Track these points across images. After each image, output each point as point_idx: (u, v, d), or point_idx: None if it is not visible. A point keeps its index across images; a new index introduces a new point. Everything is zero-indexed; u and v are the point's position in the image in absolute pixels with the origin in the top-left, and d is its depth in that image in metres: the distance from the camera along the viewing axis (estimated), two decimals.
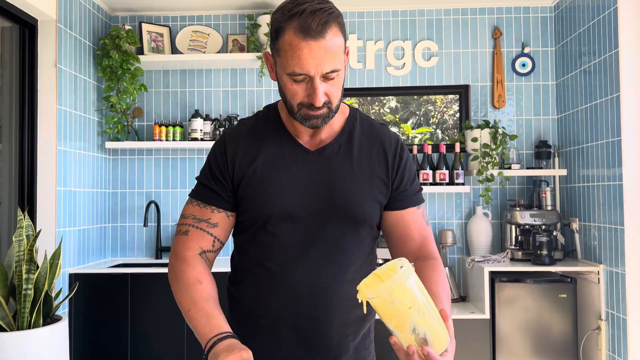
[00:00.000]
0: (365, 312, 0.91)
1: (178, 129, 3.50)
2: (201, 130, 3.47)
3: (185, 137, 3.59)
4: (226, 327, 1.00)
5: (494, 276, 3.00)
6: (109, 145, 3.44)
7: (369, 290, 0.84)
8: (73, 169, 3.12)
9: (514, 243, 3.35)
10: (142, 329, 3.03)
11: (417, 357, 0.84)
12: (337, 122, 1.17)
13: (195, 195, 1.17)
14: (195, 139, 3.45)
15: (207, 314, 1.02)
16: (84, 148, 3.27)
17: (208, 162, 1.17)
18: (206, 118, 3.53)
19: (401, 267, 0.84)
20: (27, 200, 2.82)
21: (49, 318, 2.40)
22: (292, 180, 1.12)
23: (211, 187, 1.15)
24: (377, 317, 0.96)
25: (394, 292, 0.82)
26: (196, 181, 1.19)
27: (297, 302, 1.11)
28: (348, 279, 1.13)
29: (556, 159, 3.45)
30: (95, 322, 3.05)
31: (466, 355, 2.91)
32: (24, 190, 2.82)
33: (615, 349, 2.79)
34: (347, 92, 3.68)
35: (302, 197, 1.12)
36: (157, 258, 3.57)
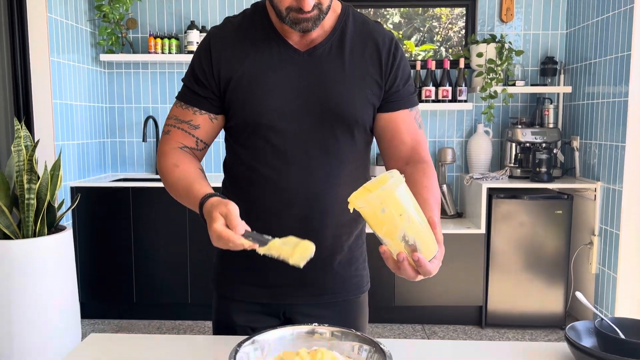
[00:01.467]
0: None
1: (174, 42, 3.39)
2: (197, 42, 3.36)
3: (181, 49, 3.48)
4: (205, 190, 1.04)
5: (492, 193, 3.04)
6: (104, 57, 3.35)
7: (359, 200, 0.83)
8: (68, 81, 3.05)
9: (513, 161, 3.35)
10: (145, 240, 3.11)
11: (407, 264, 0.85)
12: (328, 21, 1.11)
13: (179, 97, 1.14)
14: (192, 52, 3.35)
15: (187, 188, 1.06)
16: (78, 60, 3.18)
17: (192, 63, 1.13)
18: (202, 30, 3.41)
19: (391, 178, 0.83)
20: (23, 112, 2.78)
21: (54, 228, 2.45)
22: (282, 82, 1.08)
23: (194, 90, 1.11)
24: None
25: (384, 200, 0.82)
26: (182, 83, 1.16)
27: (291, 205, 1.11)
28: (341, 182, 1.13)
29: (562, 76, 3.38)
30: (99, 233, 3.11)
31: (461, 270, 3.01)
32: (19, 102, 2.78)
33: (606, 262, 2.88)
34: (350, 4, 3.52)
35: (292, 100, 1.09)
36: (157, 173, 3.59)
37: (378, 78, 1.12)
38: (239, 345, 0.88)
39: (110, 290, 3.13)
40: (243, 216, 1.18)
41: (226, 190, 1.22)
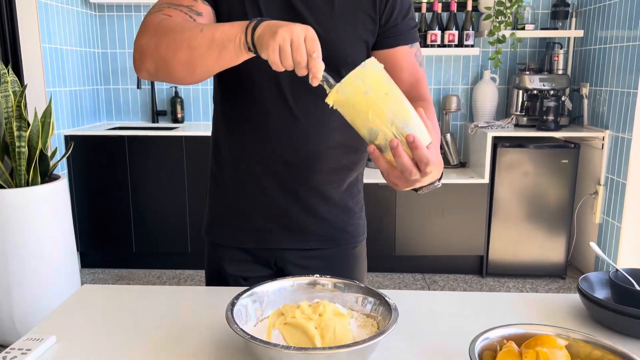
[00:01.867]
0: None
1: None
2: None
3: None
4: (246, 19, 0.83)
5: (497, 142, 2.96)
6: None
7: (338, 90, 0.75)
8: (57, 24, 2.91)
9: (519, 109, 3.25)
10: (142, 190, 3.06)
11: (402, 149, 0.73)
12: None
13: None
14: None
15: (206, 26, 0.83)
16: (66, 2, 3.02)
17: None
18: None
19: (369, 59, 0.74)
20: (10, 56, 2.66)
21: (47, 177, 2.39)
22: (263, 16, 0.98)
23: None
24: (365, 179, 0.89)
25: (365, 78, 0.72)
26: None
27: (276, 148, 1.04)
28: (332, 127, 1.05)
29: (573, 19, 3.23)
30: (95, 183, 3.06)
31: (463, 219, 2.98)
32: (5, 45, 2.65)
33: (610, 212, 2.84)
34: None
35: None
36: (153, 122, 3.49)
37: (372, 11, 1.01)
38: (237, 297, 0.83)
39: (110, 240, 3.11)
40: (230, 158, 1.11)
41: (215, 136, 1.15)
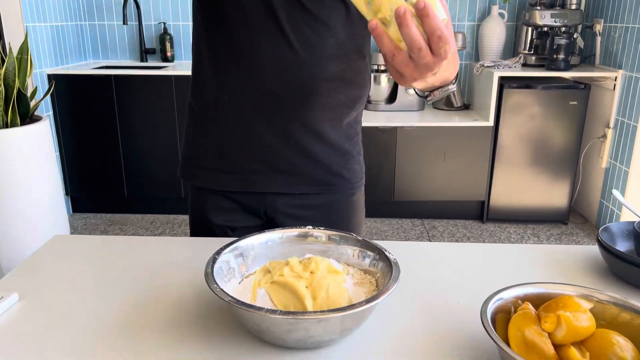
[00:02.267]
0: None
1: None
2: None
3: None
4: None
5: (503, 82, 2.81)
6: None
7: None
8: None
9: (528, 47, 3.08)
10: (132, 132, 2.94)
11: (410, 17, 0.60)
12: None
13: None
14: None
15: None
16: None
17: None
18: None
19: None
20: None
21: (28, 118, 2.26)
22: None
23: None
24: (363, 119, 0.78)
25: None
26: None
27: (261, 79, 0.92)
28: (330, 55, 0.92)
29: None
30: (83, 125, 2.93)
31: (465, 164, 2.88)
32: None
33: (618, 156, 2.74)
34: None
35: None
36: (142, 60, 3.32)
37: None
38: (218, 252, 0.74)
39: (100, 184, 3.02)
40: (211, 89, 0.99)
41: (195, 66, 1.02)
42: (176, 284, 0.80)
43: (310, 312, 0.60)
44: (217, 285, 0.65)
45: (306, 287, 0.67)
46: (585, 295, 0.67)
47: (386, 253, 0.74)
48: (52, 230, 2.21)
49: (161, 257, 0.90)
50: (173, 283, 0.81)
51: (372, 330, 0.70)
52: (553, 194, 2.91)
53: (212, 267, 0.69)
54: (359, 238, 0.79)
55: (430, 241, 2.70)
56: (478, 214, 3.01)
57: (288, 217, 1.02)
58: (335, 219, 1.04)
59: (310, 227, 0.81)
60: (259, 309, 0.60)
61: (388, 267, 0.72)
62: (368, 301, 0.62)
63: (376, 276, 0.74)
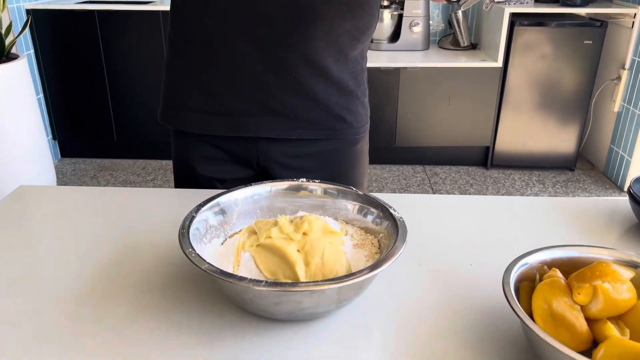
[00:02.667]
0: None
1: None
2: None
3: None
4: None
5: (514, 19, 2.63)
6: None
7: None
8: None
9: None
10: (119, 72, 2.78)
11: None
12: None
13: None
14: None
15: None
16: None
17: None
18: None
19: None
20: None
21: (4, 57, 2.10)
22: None
23: None
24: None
25: None
26: None
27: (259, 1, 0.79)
28: None
29: None
30: (66, 64, 2.77)
31: (470, 108, 2.74)
32: None
33: (632, 100, 2.60)
34: None
35: None
36: None
37: None
38: (196, 209, 0.63)
39: (88, 128, 2.89)
40: (192, 14, 0.84)
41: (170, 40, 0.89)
42: (151, 244, 0.71)
43: (301, 283, 0.51)
44: (193, 249, 0.55)
45: (298, 251, 0.58)
46: (625, 261, 0.57)
47: (391, 210, 0.64)
48: (37, 178, 2.12)
49: (136, 212, 0.80)
50: (147, 242, 0.71)
51: (374, 299, 0.61)
52: (561, 139, 2.80)
53: (188, 227, 0.59)
54: (360, 192, 0.68)
55: (432, 188, 2.62)
56: (482, 160, 2.91)
57: (284, 168, 0.91)
58: (337, 170, 0.93)
59: (304, 179, 0.71)
60: (241, 279, 0.51)
61: (393, 226, 0.62)
62: (371, 269, 0.52)
63: (379, 236, 0.64)
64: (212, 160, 0.93)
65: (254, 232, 0.60)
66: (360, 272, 0.52)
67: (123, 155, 2.93)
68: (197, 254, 0.54)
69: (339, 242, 0.61)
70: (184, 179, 0.97)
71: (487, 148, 2.85)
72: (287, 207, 0.69)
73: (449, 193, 2.56)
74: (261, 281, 0.50)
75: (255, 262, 0.58)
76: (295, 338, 0.55)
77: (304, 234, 0.59)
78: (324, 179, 0.72)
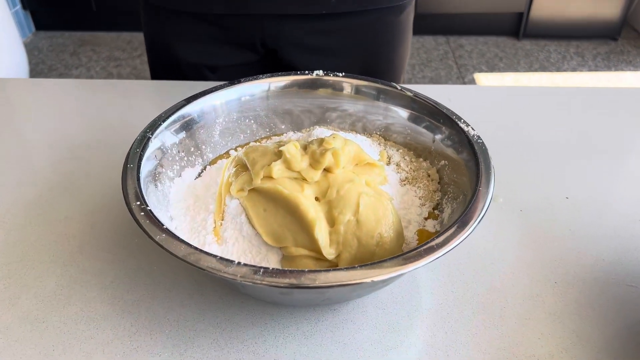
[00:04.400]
0: None
1: None
2: None
3: None
4: None
5: None
6: None
7: None
8: None
9: None
10: None
11: None
12: None
13: None
14: None
15: None
16: None
17: None
18: None
19: None
20: None
21: None
22: None
23: None
24: None
25: None
26: None
27: None
28: None
29: None
30: None
31: None
32: None
33: None
34: None
35: None
36: None
37: None
38: (152, 126, 0.40)
39: None
40: None
41: None
42: (109, 158, 0.49)
43: (322, 272, 0.29)
44: (143, 201, 0.33)
45: (316, 199, 0.35)
46: None
47: (461, 125, 0.40)
48: (1, 59, 1.83)
49: (99, 113, 0.57)
50: (107, 157, 0.49)
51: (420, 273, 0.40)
52: (604, 3, 2.41)
53: (139, 162, 0.37)
54: (410, 93, 0.44)
55: (457, 63, 2.31)
56: (513, 30, 2.55)
57: (299, 49, 0.65)
58: (373, 49, 0.67)
59: (321, 72, 0.46)
60: (227, 263, 0.29)
61: (464, 149, 0.39)
62: (441, 244, 0.30)
63: (438, 164, 0.42)
64: (198, 40, 0.67)
65: (246, 167, 0.37)
66: (423, 252, 0.30)
67: (105, 27, 2.59)
68: (150, 212, 0.32)
69: (379, 181, 0.39)
70: (162, 66, 0.72)
71: (521, 15, 2.48)
72: (297, 120, 0.46)
73: (475, 68, 2.27)
74: (259, 269, 0.29)
75: (249, 217, 0.36)
76: (319, 320, 0.35)
77: (327, 170, 0.36)
78: (355, 63, 0.48)
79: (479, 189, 0.34)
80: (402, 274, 0.29)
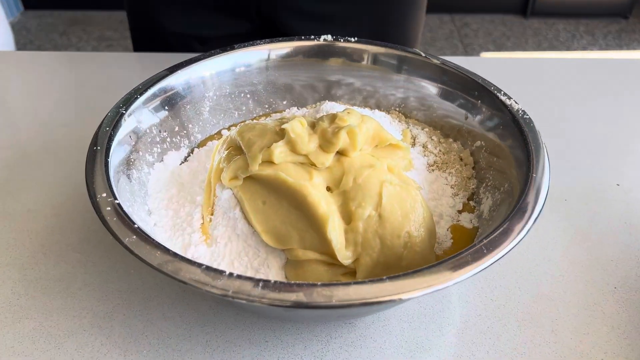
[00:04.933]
0: None
1: None
2: None
3: None
4: None
5: None
6: None
7: None
8: None
9: None
10: None
11: None
12: None
13: None
14: None
15: None
16: None
17: None
18: None
19: None
20: None
21: None
22: None
23: None
24: None
25: None
26: None
27: None
28: None
29: None
30: None
31: None
32: None
33: None
34: None
35: None
36: None
37: None
38: (127, 101, 0.33)
39: None
40: None
41: None
42: (72, 151, 0.42)
43: (339, 286, 0.22)
44: (111, 192, 0.26)
45: (328, 190, 0.29)
46: None
47: (501, 96, 0.33)
48: None
49: (59, 93, 0.50)
50: (66, 149, 0.42)
51: None
52: None
53: (109, 143, 0.30)
54: (438, 61, 0.37)
55: (462, 42, 2.23)
56: (520, 7, 2.46)
57: (298, 16, 0.57)
58: (381, 19, 0.59)
59: (330, 36, 0.39)
60: (215, 274, 0.22)
61: (505, 126, 0.32)
62: (488, 246, 0.24)
63: (473, 145, 0.35)
64: (185, 9, 0.59)
65: (240, 150, 0.30)
66: (473, 253, 0.23)
67: (96, 5, 2.49)
68: (119, 208, 0.26)
69: (404, 166, 0.32)
70: (144, 39, 0.64)
71: None
72: (299, 94, 0.39)
73: (482, 48, 2.18)
74: (256, 281, 0.22)
75: (245, 211, 0.29)
76: (331, 337, 0.28)
77: (340, 153, 0.29)
78: (361, 33, 0.40)
79: (532, 176, 0.27)
80: (445, 288, 0.22)
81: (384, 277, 0.22)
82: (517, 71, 0.56)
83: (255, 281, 0.22)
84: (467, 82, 0.35)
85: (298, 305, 0.21)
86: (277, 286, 0.22)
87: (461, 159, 0.35)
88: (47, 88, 0.52)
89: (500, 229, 0.24)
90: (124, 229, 0.24)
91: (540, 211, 0.26)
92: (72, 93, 0.51)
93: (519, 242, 0.24)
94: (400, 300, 0.22)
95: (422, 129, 0.36)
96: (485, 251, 0.23)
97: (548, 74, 0.55)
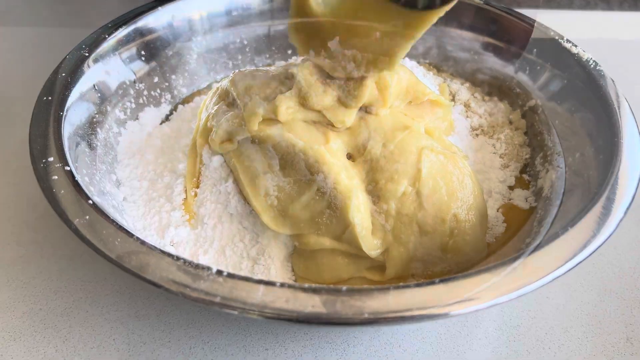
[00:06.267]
0: None
1: None
2: None
3: None
4: None
5: None
6: None
7: None
8: None
9: None
10: None
11: None
12: None
13: None
14: None
15: None
16: None
17: None
18: None
19: None
20: None
21: None
22: None
23: None
24: None
25: None
26: None
27: None
28: None
29: None
30: None
31: None
32: None
33: None
34: None
35: None
36: None
37: None
38: (93, 41, 0.26)
39: None
40: None
41: None
42: (28, 110, 0.35)
43: (382, 292, 0.16)
44: (61, 156, 0.20)
45: (349, 157, 0.22)
46: None
47: (564, 43, 0.26)
48: None
49: (14, 37, 0.42)
50: (21, 106, 0.35)
51: None
52: None
53: (65, 94, 0.23)
54: (481, 1, 0.30)
55: None
56: None
57: None
58: None
59: None
60: (198, 273, 0.16)
61: (571, 80, 0.25)
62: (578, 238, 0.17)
63: (525, 105, 0.28)
64: None
65: (234, 106, 0.23)
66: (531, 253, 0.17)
67: None
68: (71, 176, 0.19)
69: (444, 128, 0.25)
70: None
71: None
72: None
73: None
74: (256, 282, 0.15)
75: (240, 184, 0.22)
76: (349, 345, 0.22)
77: (365, 110, 0.22)
78: None
79: (619, 142, 0.20)
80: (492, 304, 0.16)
81: (436, 280, 0.16)
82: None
83: (255, 282, 0.16)
84: (516, 27, 0.28)
85: (314, 319, 0.15)
86: (285, 291, 0.15)
87: (510, 122, 0.28)
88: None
89: (589, 213, 0.18)
90: (74, 206, 0.18)
91: (637, 190, 0.19)
92: (28, 33, 0.43)
93: (612, 233, 0.18)
94: (466, 313, 0.15)
95: (462, 84, 0.30)
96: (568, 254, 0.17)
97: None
